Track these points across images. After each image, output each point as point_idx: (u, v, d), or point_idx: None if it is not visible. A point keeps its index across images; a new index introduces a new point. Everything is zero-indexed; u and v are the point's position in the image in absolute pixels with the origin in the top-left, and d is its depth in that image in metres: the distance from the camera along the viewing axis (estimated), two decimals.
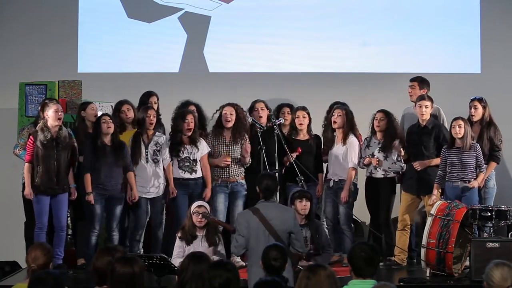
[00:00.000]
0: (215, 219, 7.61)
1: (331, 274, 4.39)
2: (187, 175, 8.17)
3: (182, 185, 8.17)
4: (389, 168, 8.24)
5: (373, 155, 8.27)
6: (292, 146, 8.35)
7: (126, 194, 8.07)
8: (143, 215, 8.19)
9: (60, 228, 7.87)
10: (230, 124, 8.28)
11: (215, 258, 7.13)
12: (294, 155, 8.28)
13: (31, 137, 7.79)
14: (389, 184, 8.29)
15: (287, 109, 8.85)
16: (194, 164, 8.18)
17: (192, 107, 8.57)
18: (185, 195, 8.16)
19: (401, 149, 8.20)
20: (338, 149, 8.37)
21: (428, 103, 8.20)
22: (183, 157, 8.17)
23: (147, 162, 8.16)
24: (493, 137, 8.32)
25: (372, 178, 8.31)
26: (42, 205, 7.76)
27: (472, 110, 8.38)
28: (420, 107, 8.21)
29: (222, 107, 8.34)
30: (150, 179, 8.15)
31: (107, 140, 7.96)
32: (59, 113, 7.78)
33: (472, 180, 7.89)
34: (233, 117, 8.27)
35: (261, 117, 8.55)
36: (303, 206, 7.53)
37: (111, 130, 7.95)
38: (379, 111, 8.37)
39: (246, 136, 8.36)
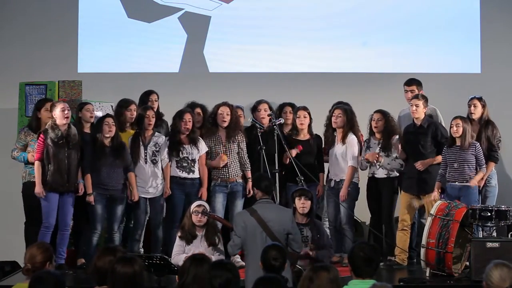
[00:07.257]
0: (214, 215, 7.62)
1: (334, 278, 4.36)
2: (184, 175, 8.17)
3: (179, 184, 8.17)
4: (388, 164, 8.21)
5: None
6: (292, 144, 8.35)
7: (127, 194, 8.07)
8: (142, 214, 8.19)
9: (65, 227, 7.85)
10: (226, 124, 8.28)
11: (217, 255, 7.16)
12: (295, 152, 8.28)
13: (41, 135, 7.77)
14: (391, 184, 8.28)
15: (289, 109, 8.82)
16: (193, 164, 8.17)
17: (198, 110, 8.55)
18: (182, 195, 8.16)
19: (399, 146, 8.19)
20: (338, 148, 8.34)
21: (419, 102, 8.18)
22: (181, 157, 8.16)
23: (145, 162, 8.15)
24: (491, 136, 8.31)
25: (374, 178, 8.31)
26: (51, 203, 7.73)
27: (472, 108, 8.39)
28: (412, 106, 8.22)
29: (218, 106, 8.33)
30: (149, 179, 8.14)
31: (107, 141, 7.96)
32: (66, 112, 7.76)
33: (469, 178, 7.89)
34: (229, 117, 8.27)
35: (263, 118, 8.53)
36: (301, 204, 7.39)
37: (113, 133, 7.95)
38: (376, 112, 8.36)
39: (242, 134, 8.38)
